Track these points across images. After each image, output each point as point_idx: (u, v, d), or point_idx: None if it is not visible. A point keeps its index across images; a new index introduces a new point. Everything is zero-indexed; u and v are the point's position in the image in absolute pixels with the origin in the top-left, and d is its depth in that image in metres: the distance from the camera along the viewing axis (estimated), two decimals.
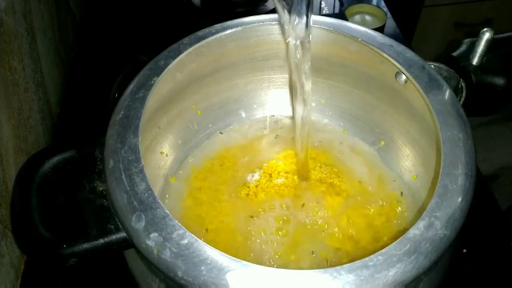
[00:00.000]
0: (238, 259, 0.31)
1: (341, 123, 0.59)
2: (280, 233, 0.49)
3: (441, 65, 0.49)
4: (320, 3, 0.88)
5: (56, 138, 0.67)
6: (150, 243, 0.32)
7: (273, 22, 0.51)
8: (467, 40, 0.51)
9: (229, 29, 0.49)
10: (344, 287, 0.29)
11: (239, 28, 0.50)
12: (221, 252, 0.31)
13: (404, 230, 0.34)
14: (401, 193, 0.52)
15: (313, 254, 0.47)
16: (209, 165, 0.55)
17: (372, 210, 0.50)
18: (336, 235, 0.48)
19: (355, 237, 0.48)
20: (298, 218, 0.50)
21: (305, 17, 0.40)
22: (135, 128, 0.39)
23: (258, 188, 0.52)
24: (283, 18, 0.43)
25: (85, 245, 0.35)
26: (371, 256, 0.31)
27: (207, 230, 0.49)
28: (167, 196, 0.52)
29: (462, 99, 0.49)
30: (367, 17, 0.86)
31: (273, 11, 0.83)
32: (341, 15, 0.84)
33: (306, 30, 0.41)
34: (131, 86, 0.43)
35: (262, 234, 0.48)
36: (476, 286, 0.51)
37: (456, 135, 0.39)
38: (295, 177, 0.54)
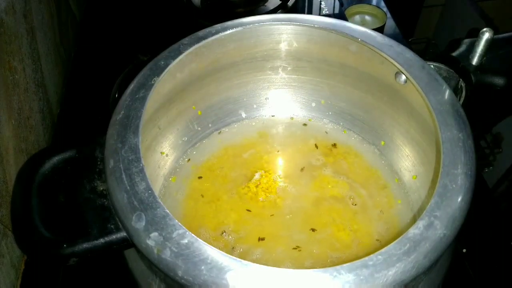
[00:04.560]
0: (238, 259, 0.31)
1: (341, 123, 0.59)
2: (280, 233, 0.49)
3: (441, 65, 0.49)
4: (320, 3, 0.88)
5: (56, 138, 0.67)
6: (150, 242, 0.32)
7: (273, 22, 0.51)
8: (467, 40, 0.51)
9: (229, 29, 0.49)
10: (343, 287, 0.29)
11: (239, 28, 0.50)
12: (221, 252, 0.31)
13: (403, 230, 0.34)
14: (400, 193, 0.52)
15: (313, 257, 0.47)
16: (209, 165, 0.55)
17: (372, 209, 0.50)
18: (336, 234, 0.48)
19: (354, 237, 0.48)
20: (299, 218, 0.50)
21: None
22: (135, 128, 0.39)
23: (259, 188, 0.52)
24: None
25: (86, 245, 0.35)
26: (371, 255, 0.31)
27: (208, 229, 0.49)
28: (167, 196, 0.52)
29: (462, 99, 0.49)
30: (367, 17, 0.86)
31: (273, 11, 0.83)
32: (341, 15, 0.84)
33: None
34: (131, 86, 0.43)
35: (262, 234, 0.48)
36: (476, 286, 0.51)
37: (456, 135, 0.39)
38: (296, 177, 0.54)
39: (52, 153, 0.41)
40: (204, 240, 0.32)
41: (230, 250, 0.47)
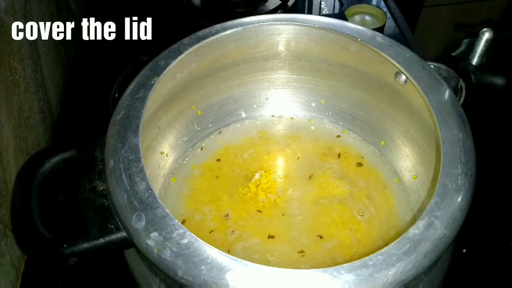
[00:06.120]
0: (238, 259, 0.31)
1: (341, 123, 0.59)
2: (280, 232, 0.49)
3: (441, 65, 0.49)
4: (320, 3, 0.88)
5: (56, 138, 0.67)
6: (150, 242, 0.32)
7: (273, 22, 0.51)
8: (466, 40, 0.51)
9: (229, 29, 0.49)
10: (343, 287, 0.29)
11: (239, 28, 0.50)
12: (221, 252, 0.31)
13: (403, 230, 0.34)
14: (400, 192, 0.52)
15: (315, 259, 0.47)
16: (209, 165, 0.55)
17: (372, 210, 0.50)
18: (336, 235, 0.48)
19: (355, 237, 0.48)
20: (299, 218, 0.50)
21: None
22: (135, 128, 0.39)
23: (259, 188, 0.52)
24: None
25: (86, 245, 0.35)
26: (371, 255, 0.31)
27: (211, 231, 0.49)
28: (167, 196, 0.52)
29: (462, 99, 0.49)
30: (367, 17, 0.86)
31: (273, 11, 0.83)
32: (341, 15, 0.85)
33: None
34: (131, 86, 0.43)
35: (263, 234, 0.48)
36: (476, 286, 0.51)
37: (456, 135, 0.39)
38: (296, 177, 0.54)
39: (52, 153, 0.41)
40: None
41: (227, 251, 0.47)
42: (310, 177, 0.54)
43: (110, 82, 0.63)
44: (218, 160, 0.56)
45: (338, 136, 0.58)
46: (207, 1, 0.86)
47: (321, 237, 0.48)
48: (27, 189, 0.39)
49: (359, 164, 0.54)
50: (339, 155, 0.55)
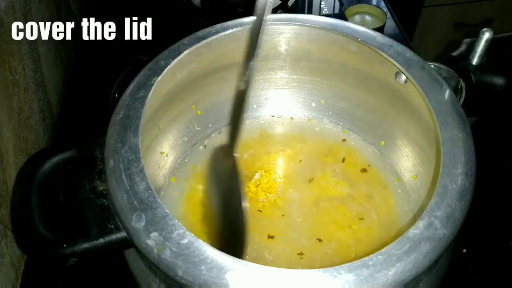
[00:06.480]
0: (238, 259, 0.31)
1: (341, 123, 0.59)
2: (279, 232, 0.49)
3: (441, 65, 0.49)
4: (320, 3, 0.88)
5: (56, 138, 0.67)
6: (150, 242, 0.32)
7: (273, 22, 0.51)
8: (467, 40, 0.51)
9: (229, 29, 0.49)
10: (344, 287, 0.29)
11: (239, 28, 0.50)
12: (221, 252, 0.31)
13: (403, 230, 0.34)
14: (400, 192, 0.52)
15: (314, 261, 0.47)
16: (209, 165, 0.55)
17: (372, 210, 0.50)
18: (335, 237, 0.48)
19: (354, 239, 0.48)
20: (299, 220, 0.50)
21: None
22: (135, 128, 0.39)
23: (259, 188, 0.52)
24: None
25: (85, 245, 0.35)
26: (371, 255, 0.31)
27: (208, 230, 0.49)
28: (167, 196, 0.52)
29: (462, 99, 0.49)
30: (367, 17, 0.86)
31: (273, 11, 0.83)
32: (341, 15, 0.84)
33: None
34: (131, 86, 0.43)
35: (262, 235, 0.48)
36: (476, 286, 0.51)
37: (456, 135, 0.39)
38: (296, 177, 0.54)
39: (52, 153, 0.41)
40: None
41: None
42: (310, 177, 0.53)
43: (110, 82, 0.63)
44: None
45: (337, 136, 0.58)
46: (207, 1, 0.86)
47: (320, 240, 0.48)
48: (27, 189, 0.39)
49: (364, 170, 0.54)
50: (343, 160, 0.55)
